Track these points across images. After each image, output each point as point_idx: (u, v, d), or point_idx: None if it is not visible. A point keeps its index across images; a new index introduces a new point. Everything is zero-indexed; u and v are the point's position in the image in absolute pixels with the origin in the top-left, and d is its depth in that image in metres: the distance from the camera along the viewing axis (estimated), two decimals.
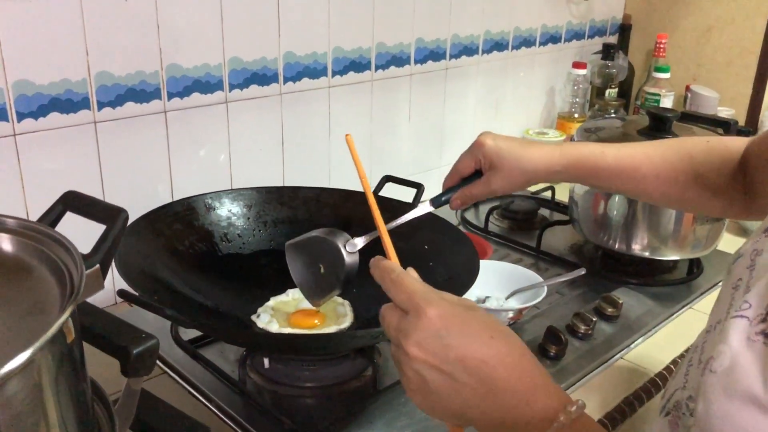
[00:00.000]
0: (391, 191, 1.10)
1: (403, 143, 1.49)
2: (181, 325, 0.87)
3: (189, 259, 0.96)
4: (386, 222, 0.78)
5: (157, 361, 0.94)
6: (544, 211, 1.50)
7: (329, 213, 1.09)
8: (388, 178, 1.12)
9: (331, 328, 0.91)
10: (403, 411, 0.85)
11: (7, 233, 0.47)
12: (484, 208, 1.51)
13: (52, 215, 0.51)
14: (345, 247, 0.85)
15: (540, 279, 1.08)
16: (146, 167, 1.08)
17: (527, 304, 1.01)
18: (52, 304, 0.43)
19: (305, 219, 1.08)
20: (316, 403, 0.88)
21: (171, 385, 0.91)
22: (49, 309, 0.42)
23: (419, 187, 1.08)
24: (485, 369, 0.52)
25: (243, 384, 0.89)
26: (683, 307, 1.14)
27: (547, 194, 1.51)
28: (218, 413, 0.85)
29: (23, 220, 0.47)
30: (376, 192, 1.11)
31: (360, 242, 0.85)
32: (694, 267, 1.24)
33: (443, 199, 0.90)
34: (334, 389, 0.89)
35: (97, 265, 0.47)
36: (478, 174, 0.88)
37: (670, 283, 1.20)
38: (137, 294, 0.74)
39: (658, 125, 1.18)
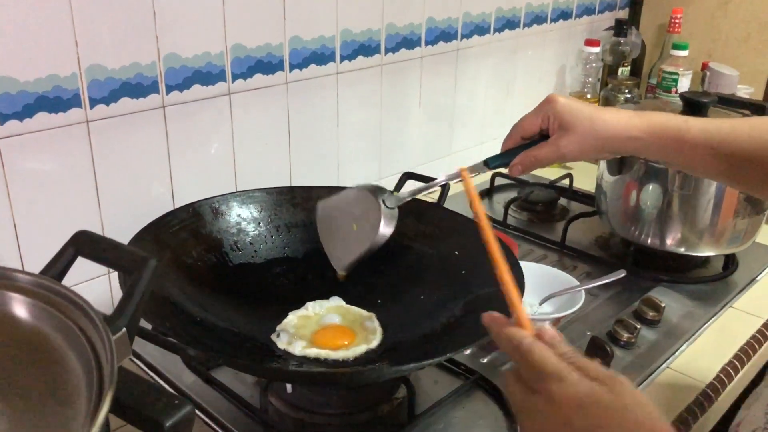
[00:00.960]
0: None
1: (413, 130, 1.39)
2: (202, 363, 0.77)
3: (198, 274, 0.87)
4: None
5: (166, 385, 0.86)
6: (562, 201, 1.42)
7: None
8: (408, 176, 1.02)
9: (359, 348, 0.82)
10: None
11: (19, 293, 0.37)
12: (499, 199, 1.43)
13: (61, 263, 0.42)
14: (384, 201, 0.78)
15: (576, 282, 1.00)
16: (144, 168, 0.98)
17: (565, 313, 0.94)
18: (77, 391, 0.34)
19: None
20: None
21: (202, 428, 0.83)
22: (74, 398, 0.33)
23: (444, 186, 0.99)
24: None
25: (264, 412, 0.81)
26: (724, 306, 1.07)
27: (566, 182, 1.43)
28: None
29: (35, 276, 0.38)
30: (395, 191, 1.02)
31: (401, 197, 0.79)
32: (730, 262, 1.17)
33: (501, 161, 0.79)
34: (364, 416, 0.81)
35: (124, 330, 0.38)
36: (542, 138, 0.79)
37: (706, 280, 1.14)
38: (150, 327, 0.65)
39: (693, 111, 1.09)
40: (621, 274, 1.00)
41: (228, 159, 1.08)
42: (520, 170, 0.80)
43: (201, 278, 0.87)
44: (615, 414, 0.46)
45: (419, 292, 0.90)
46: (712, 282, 1.13)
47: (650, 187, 1.10)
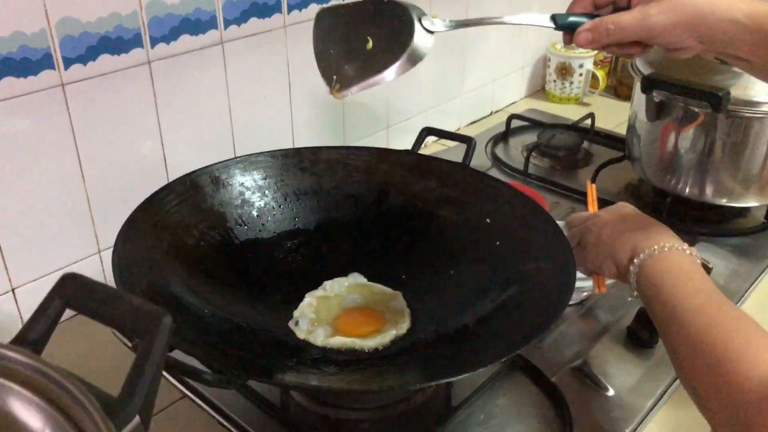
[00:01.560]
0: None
1: (422, 73, 1.27)
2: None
3: (202, 256, 0.77)
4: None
5: (175, 382, 0.77)
6: (584, 145, 1.31)
7: (360, 178, 0.90)
8: (429, 131, 0.92)
9: (388, 335, 0.74)
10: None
11: (18, 384, 0.28)
12: (516, 143, 1.33)
13: (46, 320, 0.32)
14: (421, 20, 0.61)
15: None
16: (131, 133, 0.87)
17: (611, 280, 0.85)
18: None
19: (331, 188, 0.89)
20: (376, 428, 0.72)
21: (193, 412, 0.75)
22: None
23: (469, 142, 0.88)
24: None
25: (285, 409, 0.73)
26: None
27: (587, 123, 1.32)
28: None
29: (8, 349, 0.28)
30: (414, 149, 0.92)
31: (443, 23, 0.62)
32: None
33: (571, 19, 0.66)
34: (396, 410, 0.73)
35: (137, 419, 0.28)
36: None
37: (748, 232, 1.05)
38: None
39: None
40: None
41: (224, 116, 0.96)
42: (590, 39, 0.65)
43: (205, 261, 0.77)
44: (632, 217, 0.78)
45: (447, 267, 0.81)
46: (754, 234, 1.05)
47: (691, 131, 1.00)
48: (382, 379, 0.68)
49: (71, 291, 0.32)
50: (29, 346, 0.31)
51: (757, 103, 0.94)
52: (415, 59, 0.61)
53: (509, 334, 0.65)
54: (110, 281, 0.89)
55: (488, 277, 0.76)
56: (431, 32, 0.61)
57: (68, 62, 0.77)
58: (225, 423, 0.73)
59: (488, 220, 0.82)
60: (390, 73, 0.60)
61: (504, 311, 0.70)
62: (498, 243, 0.79)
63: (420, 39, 0.60)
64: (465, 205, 0.85)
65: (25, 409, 0.27)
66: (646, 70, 0.99)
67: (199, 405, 0.75)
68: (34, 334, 0.31)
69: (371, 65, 0.61)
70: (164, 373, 0.77)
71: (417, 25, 0.60)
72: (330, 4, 0.65)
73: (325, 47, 0.65)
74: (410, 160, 0.90)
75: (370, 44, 0.62)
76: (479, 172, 0.87)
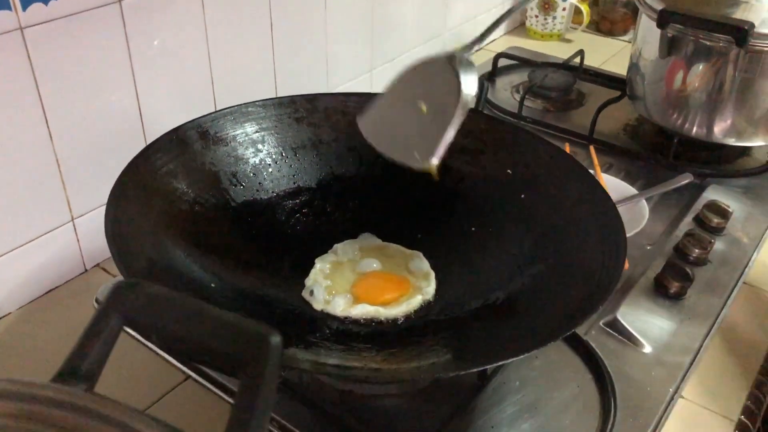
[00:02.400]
0: None
1: (407, 10, 1.18)
2: None
3: (198, 223, 0.68)
4: None
5: (176, 363, 0.70)
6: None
7: None
8: None
9: (415, 301, 0.67)
10: (523, 402, 0.65)
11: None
12: (504, 83, 1.26)
13: (100, 345, 0.24)
14: (451, 62, 0.60)
15: (633, 191, 0.86)
16: (102, 85, 0.76)
17: (630, 233, 0.80)
18: None
19: (331, 140, 0.81)
20: (405, 402, 0.66)
21: (199, 393, 0.67)
22: None
23: (481, 85, 0.81)
24: None
25: (302, 385, 0.66)
26: None
27: (576, 61, 1.25)
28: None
29: (99, 402, 0.21)
30: None
31: (469, 47, 0.62)
32: None
33: None
34: (426, 382, 0.67)
35: None
36: None
37: (755, 173, 1.02)
38: None
39: None
40: (687, 178, 0.87)
41: (203, 63, 0.86)
42: None
43: (202, 228, 0.69)
44: None
45: (468, 224, 0.75)
46: (761, 174, 1.02)
47: (700, 67, 0.95)
48: (419, 358, 0.61)
49: (132, 305, 0.24)
50: (83, 381, 0.23)
51: None
52: (472, 83, 0.60)
53: (555, 307, 0.59)
54: (86, 253, 0.81)
55: (518, 235, 0.70)
56: (467, 61, 0.60)
57: (26, 2, 0.66)
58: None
59: (510, 171, 0.75)
60: (464, 109, 0.60)
61: (543, 277, 0.64)
62: (522, 196, 0.73)
63: (462, 68, 0.59)
64: (481, 155, 0.78)
65: None
66: (657, 6, 0.93)
67: (205, 386, 0.68)
68: (87, 363, 0.23)
69: (441, 117, 0.59)
70: (163, 354, 0.70)
71: (448, 64, 0.60)
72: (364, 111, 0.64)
73: (388, 143, 0.64)
74: None
75: (424, 108, 0.61)
76: (494, 118, 0.81)
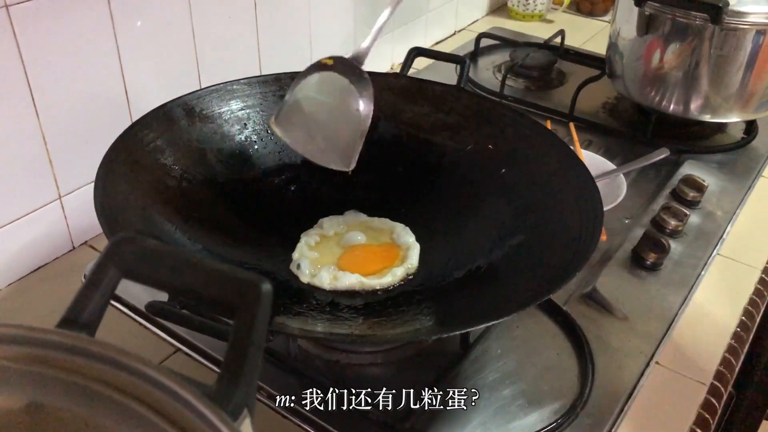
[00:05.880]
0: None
1: None
2: None
3: (185, 198, 0.70)
4: None
5: (166, 336, 0.71)
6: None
7: None
8: (418, 52, 0.85)
9: (399, 271, 0.69)
10: (504, 369, 0.67)
11: (96, 383, 0.21)
12: (486, 63, 1.27)
13: (99, 296, 0.25)
14: (345, 74, 0.67)
15: (612, 166, 0.89)
16: (88, 63, 0.76)
17: (608, 207, 0.82)
18: None
19: None
20: (389, 370, 0.68)
21: (189, 365, 0.69)
22: None
23: (462, 63, 0.82)
24: None
25: (289, 356, 0.67)
26: (756, 176, 0.99)
27: (557, 41, 1.27)
28: (262, 400, 0.64)
29: (102, 346, 0.22)
30: (403, 72, 0.85)
31: (361, 53, 0.68)
32: (751, 127, 1.07)
33: None
34: (410, 350, 0.68)
35: (245, 412, 0.23)
36: None
37: (730, 148, 1.04)
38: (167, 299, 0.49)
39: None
40: (663, 153, 0.89)
41: (187, 41, 0.86)
42: None
43: (190, 203, 0.70)
44: None
45: (450, 198, 0.76)
46: (736, 149, 1.04)
47: (677, 45, 0.97)
48: (403, 325, 0.63)
49: (129, 257, 0.25)
50: (82, 329, 0.24)
51: (748, 14, 0.91)
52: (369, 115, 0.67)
53: (534, 274, 0.61)
54: (74, 231, 0.82)
55: (499, 207, 0.72)
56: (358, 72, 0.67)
57: None
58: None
59: (490, 146, 0.77)
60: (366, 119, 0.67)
61: (523, 247, 0.66)
62: (503, 170, 0.75)
63: (355, 81, 0.66)
64: (463, 131, 0.79)
65: (113, 418, 0.21)
66: None
67: (195, 358, 0.69)
68: (87, 313, 0.25)
69: (348, 124, 0.67)
70: (153, 327, 0.71)
71: (341, 76, 0.66)
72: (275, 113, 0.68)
73: (305, 145, 0.69)
74: (400, 83, 0.83)
75: (333, 116, 0.68)
76: (476, 95, 0.83)
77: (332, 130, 0.68)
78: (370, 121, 0.67)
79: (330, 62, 0.67)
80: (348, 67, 0.67)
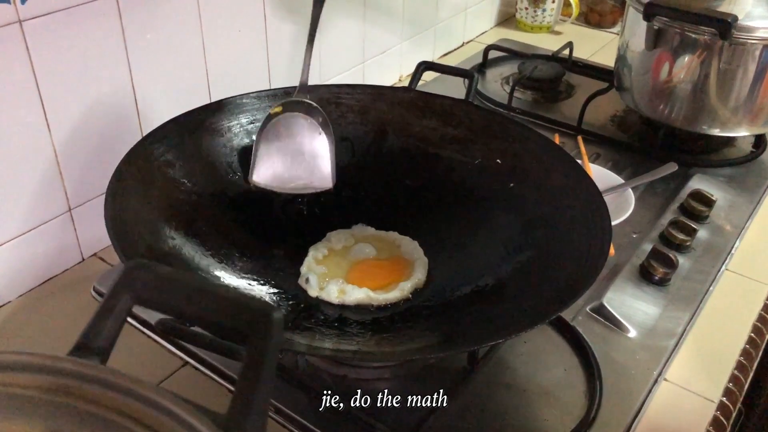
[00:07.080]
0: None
1: (399, 3, 1.19)
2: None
3: (196, 211, 0.70)
4: None
5: (174, 349, 0.71)
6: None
7: (355, 118, 0.83)
8: (426, 66, 0.85)
9: (407, 287, 0.69)
10: (511, 384, 0.67)
11: (108, 411, 0.22)
12: (494, 75, 1.27)
13: (112, 322, 0.25)
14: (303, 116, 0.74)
15: (620, 180, 0.89)
16: (99, 77, 0.77)
17: (617, 221, 0.82)
18: None
19: None
20: (396, 386, 0.68)
21: (197, 379, 0.69)
22: None
23: (471, 77, 0.83)
24: None
25: (296, 369, 0.67)
26: (765, 190, 0.98)
27: (565, 53, 1.27)
28: (271, 416, 0.64)
29: (112, 374, 0.22)
30: (411, 85, 0.85)
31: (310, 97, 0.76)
32: (760, 141, 1.07)
33: None
34: (418, 364, 0.68)
35: None
36: None
37: (739, 162, 1.04)
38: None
39: None
40: (672, 168, 0.89)
41: (197, 55, 0.87)
42: None
43: (200, 216, 0.70)
44: None
45: (459, 213, 0.77)
46: (745, 163, 1.04)
47: (685, 59, 0.97)
48: (411, 341, 0.63)
49: (141, 284, 0.26)
50: (95, 356, 0.25)
51: (756, 29, 0.91)
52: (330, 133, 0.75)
53: (542, 291, 0.61)
54: (83, 242, 0.82)
55: (507, 222, 0.72)
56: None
57: None
58: (233, 389, 0.67)
59: (499, 161, 0.77)
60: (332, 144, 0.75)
61: (531, 263, 0.66)
62: (512, 185, 0.75)
63: (313, 121, 0.75)
64: (471, 145, 0.80)
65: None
66: None
67: (203, 372, 0.69)
68: (101, 339, 0.25)
69: (318, 149, 0.75)
70: (161, 339, 0.71)
71: (300, 118, 0.74)
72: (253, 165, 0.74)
73: (285, 179, 0.75)
74: (408, 97, 0.83)
75: (302, 144, 0.75)
76: (484, 109, 0.82)
77: (305, 160, 0.75)
78: (333, 138, 0.75)
79: (279, 109, 0.74)
80: (295, 105, 0.75)
